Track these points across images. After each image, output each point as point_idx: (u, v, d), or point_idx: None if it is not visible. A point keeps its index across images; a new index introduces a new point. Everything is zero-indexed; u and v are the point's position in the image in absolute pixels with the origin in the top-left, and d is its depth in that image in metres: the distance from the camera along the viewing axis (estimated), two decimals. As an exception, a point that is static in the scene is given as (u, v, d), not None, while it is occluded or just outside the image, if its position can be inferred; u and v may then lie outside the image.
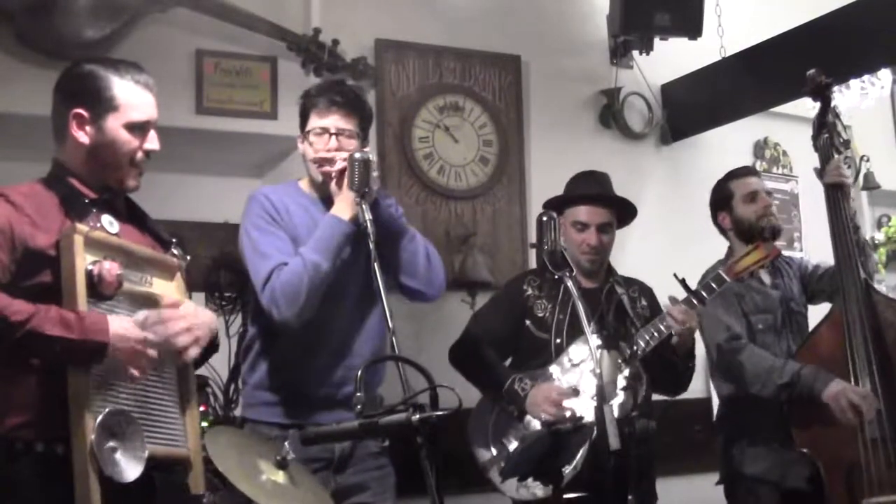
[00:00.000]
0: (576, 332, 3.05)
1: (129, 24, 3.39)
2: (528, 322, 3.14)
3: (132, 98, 2.19)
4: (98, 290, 2.03)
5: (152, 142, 2.23)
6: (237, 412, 2.97)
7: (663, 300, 2.99)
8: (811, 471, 3.06)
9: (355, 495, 2.71)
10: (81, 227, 2.05)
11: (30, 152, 3.40)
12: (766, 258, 3.07)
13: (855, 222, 3.18)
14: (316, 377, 2.70)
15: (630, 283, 3.21)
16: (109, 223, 2.17)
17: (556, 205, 3.21)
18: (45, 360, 1.99)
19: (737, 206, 3.37)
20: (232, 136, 3.67)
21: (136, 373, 2.03)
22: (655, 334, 2.96)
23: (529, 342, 3.13)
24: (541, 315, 3.14)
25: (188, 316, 2.16)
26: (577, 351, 3.05)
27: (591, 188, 3.23)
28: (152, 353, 2.04)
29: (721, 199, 3.43)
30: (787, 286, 3.36)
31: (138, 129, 2.19)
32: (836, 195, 3.14)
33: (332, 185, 2.68)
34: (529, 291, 3.19)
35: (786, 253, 3.65)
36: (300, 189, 2.87)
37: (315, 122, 2.73)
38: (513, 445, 3.01)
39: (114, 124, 2.17)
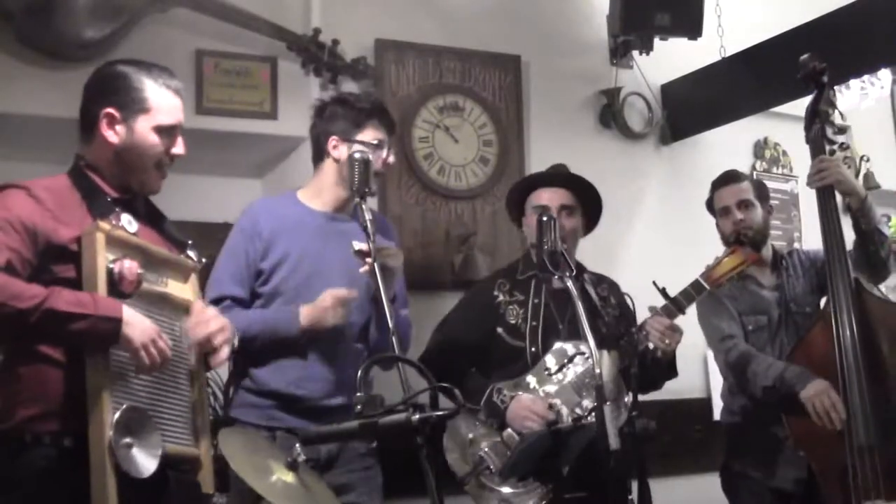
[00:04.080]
0: (550, 339, 3.01)
1: (129, 24, 3.39)
2: (500, 330, 3.07)
3: (163, 101, 2.22)
4: (118, 288, 2.05)
5: (179, 146, 2.26)
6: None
7: (660, 302, 2.98)
8: (802, 474, 3.07)
9: (342, 495, 2.75)
10: (104, 224, 2.07)
11: (30, 152, 3.42)
12: (743, 263, 2.99)
13: (870, 225, 3.09)
14: (303, 385, 2.76)
15: (599, 280, 3.16)
16: (129, 222, 2.19)
17: (516, 199, 3.22)
18: (61, 342, 2.01)
19: (717, 218, 3.41)
20: (232, 136, 3.67)
21: (145, 360, 2.03)
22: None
23: (502, 350, 3.06)
24: (513, 322, 3.06)
25: (219, 317, 2.25)
26: (552, 359, 2.99)
27: (546, 173, 3.21)
28: (163, 345, 2.06)
29: (710, 207, 3.47)
30: (791, 286, 3.33)
31: (166, 132, 2.22)
32: (824, 195, 3.06)
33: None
34: (501, 297, 3.11)
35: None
36: (298, 200, 2.91)
37: (373, 135, 2.88)
38: (491, 458, 2.93)
39: (144, 126, 2.19)
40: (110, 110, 2.18)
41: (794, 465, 3.09)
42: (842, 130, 3.18)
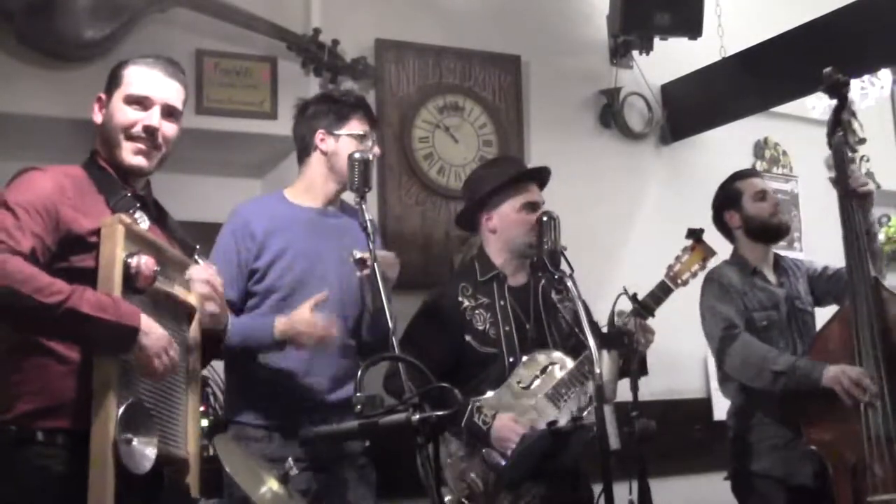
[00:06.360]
0: (523, 343, 2.96)
1: (129, 24, 3.39)
2: (468, 338, 2.97)
3: (135, 74, 2.25)
4: (133, 282, 2.05)
5: (151, 118, 2.22)
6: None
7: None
8: (817, 467, 3.09)
9: (339, 493, 2.76)
10: (124, 217, 2.08)
11: (30, 152, 3.41)
12: (705, 260, 3.05)
13: (873, 230, 3.18)
14: (295, 383, 2.76)
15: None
16: (143, 220, 2.20)
17: (489, 193, 3.10)
18: (76, 341, 2.01)
19: (746, 205, 3.42)
20: (232, 136, 3.67)
21: (158, 367, 2.04)
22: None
23: (472, 358, 2.97)
24: (481, 328, 2.98)
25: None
26: (525, 371, 2.91)
27: (524, 168, 3.20)
28: (173, 353, 2.07)
29: (729, 198, 3.47)
30: (793, 285, 3.39)
31: (137, 103, 2.23)
32: (851, 203, 3.11)
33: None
34: (466, 303, 3.02)
35: (785, 253, 3.67)
36: (286, 199, 2.91)
37: (359, 127, 2.90)
38: (476, 483, 2.81)
39: (116, 99, 2.24)
40: (100, 95, 2.26)
41: (810, 460, 3.10)
42: (861, 141, 3.37)
